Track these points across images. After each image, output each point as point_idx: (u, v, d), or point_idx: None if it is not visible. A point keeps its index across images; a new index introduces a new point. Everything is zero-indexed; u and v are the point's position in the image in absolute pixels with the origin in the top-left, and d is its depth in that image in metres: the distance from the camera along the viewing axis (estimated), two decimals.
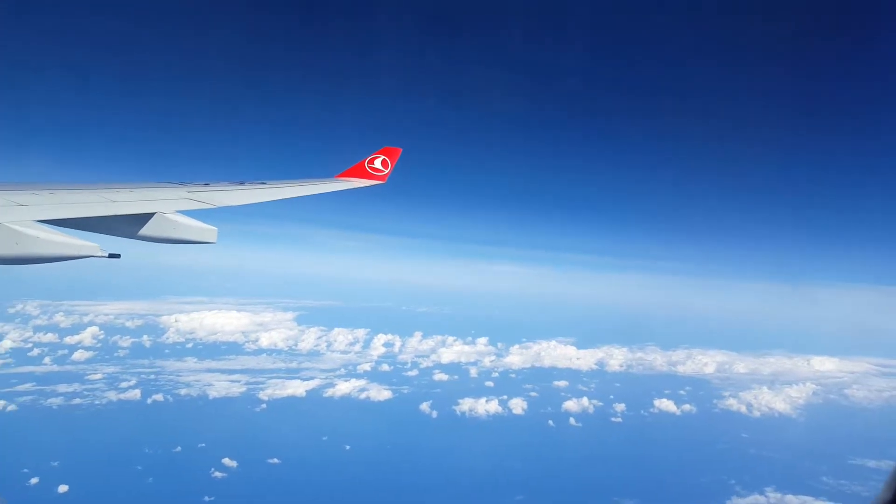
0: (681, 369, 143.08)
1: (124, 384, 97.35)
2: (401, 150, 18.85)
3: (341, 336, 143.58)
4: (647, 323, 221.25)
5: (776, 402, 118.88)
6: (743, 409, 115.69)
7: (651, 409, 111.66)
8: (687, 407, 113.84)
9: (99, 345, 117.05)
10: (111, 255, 7.35)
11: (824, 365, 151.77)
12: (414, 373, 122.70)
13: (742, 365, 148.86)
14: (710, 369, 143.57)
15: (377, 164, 18.08)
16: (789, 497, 75.69)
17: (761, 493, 76.67)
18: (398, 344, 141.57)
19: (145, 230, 8.57)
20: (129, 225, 8.47)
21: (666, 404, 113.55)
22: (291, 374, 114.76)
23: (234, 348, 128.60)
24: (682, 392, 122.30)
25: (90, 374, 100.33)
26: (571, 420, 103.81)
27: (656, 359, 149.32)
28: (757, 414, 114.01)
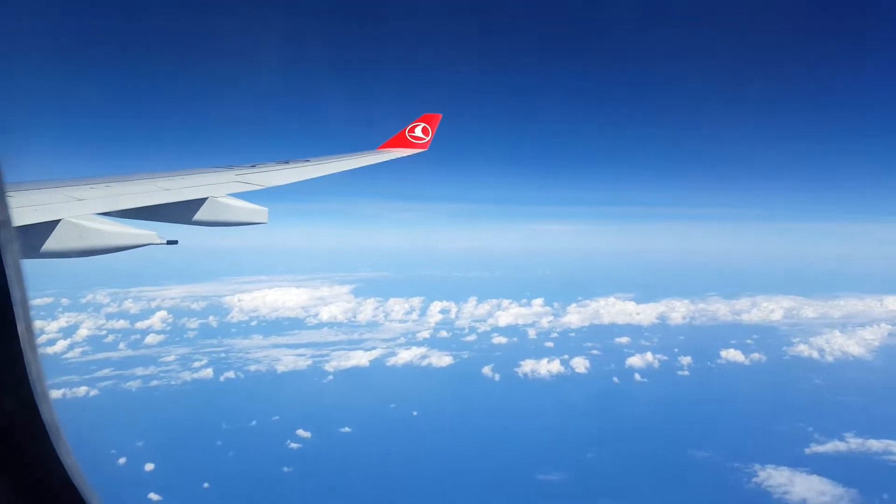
0: (746, 318, 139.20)
1: (196, 364, 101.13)
2: (440, 115, 18.70)
3: (397, 306, 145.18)
4: (707, 272, 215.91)
5: (850, 345, 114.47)
6: (815, 354, 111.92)
7: (718, 361, 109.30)
8: (756, 356, 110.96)
9: (168, 328, 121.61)
10: (169, 242, 7.52)
11: None
12: (472, 338, 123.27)
13: (811, 309, 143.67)
14: (776, 316, 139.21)
15: (418, 132, 18.09)
16: (871, 441, 73.14)
17: (841, 438, 74.32)
18: (454, 310, 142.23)
19: (199, 215, 8.80)
20: (183, 211, 8.70)
21: (733, 354, 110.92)
22: (353, 345, 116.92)
23: (296, 323, 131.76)
24: (749, 341, 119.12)
25: (164, 357, 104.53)
26: (637, 376, 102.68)
27: (719, 308, 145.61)
28: (830, 359, 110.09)
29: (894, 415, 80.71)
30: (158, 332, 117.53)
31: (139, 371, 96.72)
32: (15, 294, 1.78)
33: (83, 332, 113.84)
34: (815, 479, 65.25)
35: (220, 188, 9.66)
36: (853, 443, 73.49)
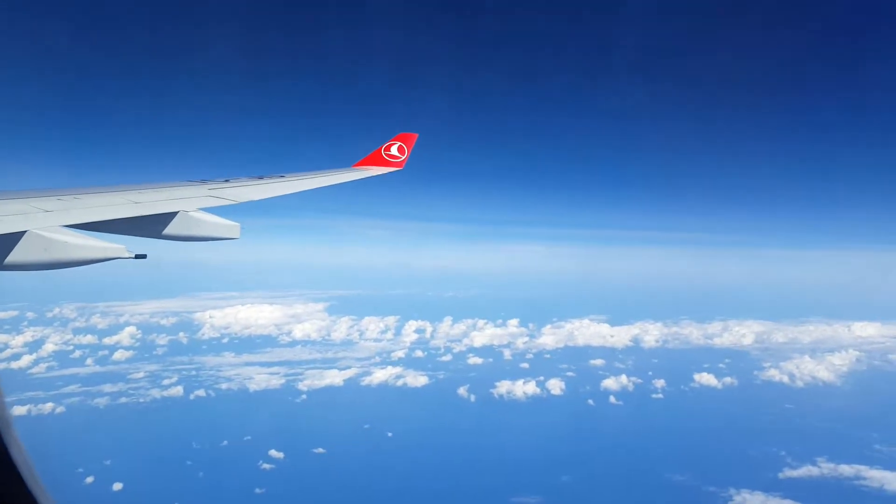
0: (718, 342, 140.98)
1: (166, 381, 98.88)
2: (416, 135, 18.79)
3: (372, 324, 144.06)
4: (680, 296, 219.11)
5: (819, 370, 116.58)
6: (785, 379, 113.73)
7: (691, 384, 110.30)
8: (728, 380, 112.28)
9: (137, 344, 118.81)
10: (137, 256, 7.42)
11: (866, 330, 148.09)
12: (448, 358, 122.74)
13: (781, 334, 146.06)
14: (748, 340, 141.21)
15: (393, 150, 18.10)
16: (843, 466, 74.22)
17: (813, 463, 75.36)
18: (429, 330, 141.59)
19: (169, 229, 8.69)
20: (154, 225, 8.59)
21: (706, 378, 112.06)
22: (328, 363, 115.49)
23: (268, 341, 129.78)
24: (721, 365, 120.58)
25: (132, 374, 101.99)
26: (612, 398, 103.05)
27: (692, 332, 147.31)
28: (800, 384, 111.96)
29: (864, 440, 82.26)
30: (127, 348, 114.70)
31: (107, 388, 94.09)
32: None
33: (49, 347, 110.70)
34: (788, 503, 65.83)
35: (191, 202, 9.56)
36: (825, 468, 74.59)
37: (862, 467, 73.91)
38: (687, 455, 78.66)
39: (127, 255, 7.22)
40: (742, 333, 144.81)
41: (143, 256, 7.50)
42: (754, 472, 72.82)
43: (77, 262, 6.78)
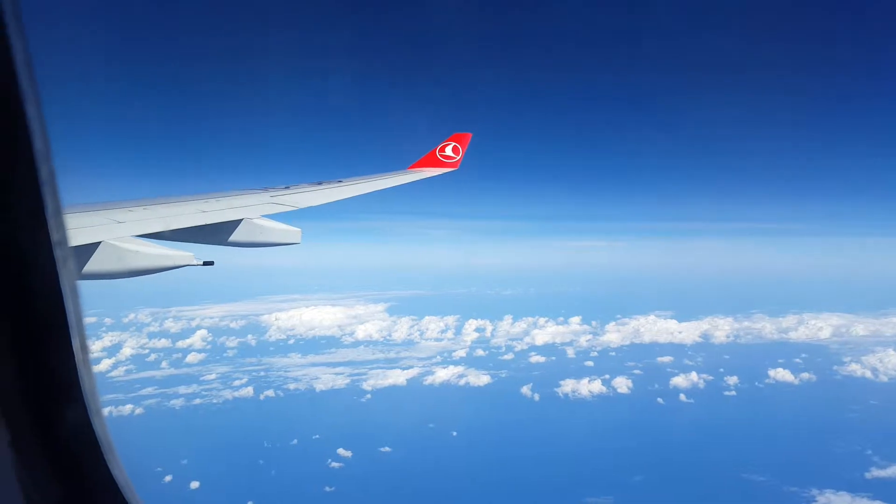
0: (793, 336, 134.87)
1: (237, 382, 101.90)
2: (471, 134, 18.70)
3: (433, 324, 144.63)
4: (750, 289, 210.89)
5: None
6: (868, 374, 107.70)
7: (766, 380, 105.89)
8: (806, 375, 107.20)
9: (209, 346, 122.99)
10: (205, 263, 7.64)
11: None
12: (510, 356, 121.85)
13: (861, 326, 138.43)
14: (825, 334, 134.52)
15: (448, 151, 18.08)
16: None
17: None
18: (489, 328, 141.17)
19: (234, 236, 8.93)
20: (219, 232, 8.84)
21: (782, 374, 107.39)
22: (391, 363, 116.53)
23: (332, 342, 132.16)
24: (797, 360, 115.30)
25: (205, 375, 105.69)
26: (682, 396, 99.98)
27: (765, 326, 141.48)
28: (884, 378, 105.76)
29: None
30: (199, 351, 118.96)
31: (182, 389, 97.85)
32: (70, 312, 1.85)
33: (127, 351, 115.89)
34: None
35: (254, 210, 9.82)
36: None
37: None
38: (765, 454, 75.42)
39: (195, 262, 7.46)
40: (819, 327, 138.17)
41: (211, 263, 7.74)
42: (839, 472, 69.17)
43: (149, 270, 7.04)
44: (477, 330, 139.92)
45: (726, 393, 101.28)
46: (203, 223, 8.59)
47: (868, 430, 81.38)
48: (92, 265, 6.53)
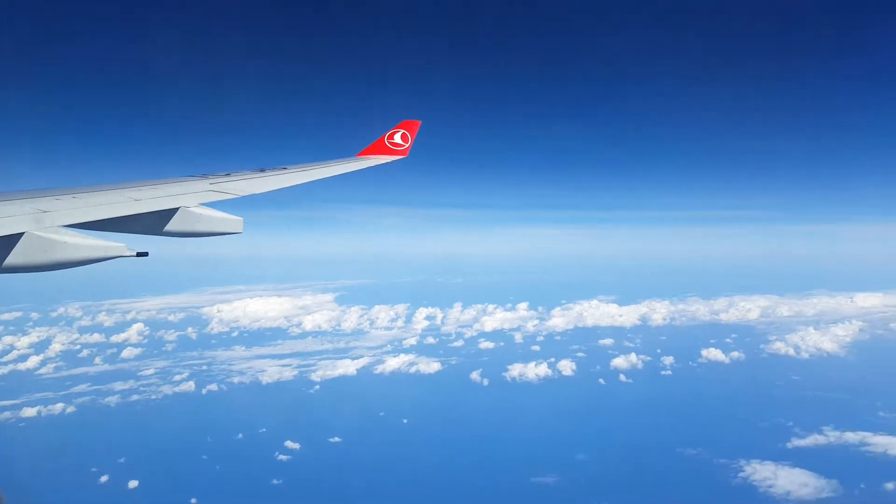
0: (724, 317, 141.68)
1: (177, 377, 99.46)
2: (420, 122, 18.62)
3: (382, 313, 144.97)
4: (686, 274, 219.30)
5: (824, 342, 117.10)
6: (791, 351, 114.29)
7: (700, 360, 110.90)
8: (735, 354, 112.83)
9: (146, 341, 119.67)
10: (139, 254, 7.32)
11: (868, 301, 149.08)
12: (459, 343, 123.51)
13: (785, 308, 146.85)
14: (753, 315, 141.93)
15: (397, 138, 17.91)
16: (849, 434, 75.03)
17: (820, 432, 76.09)
18: (440, 316, 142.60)
19: (171, 226, 8.59)
20: (154, 222, 8.48)
21: (714, 353, 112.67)
22: (340, 354, 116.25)
23: (279, 333, 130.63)
24: (728, 340, 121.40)
25: (143, 371, 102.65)
26: (622, 377, 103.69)
27: (699, 309, 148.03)
28: (805, 355, 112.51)
29: (868, 408, 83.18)
30: (136, 346, 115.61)
31: (118, 386, 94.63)
32: None
33: (56, 347, 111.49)
34: (797, 471, 66.67)
35: (193, 197, 9.46)
36: (832, 436, 75.33)
37: (867, 434, 74.75)
38: (697, 429, 79.36)
39: (128, 253, 7.15)
40: (747, 308, 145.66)
41: (146, 254, 7.41)
42: (763, 443, 73.57)
43: (78, 262, 6.72)
44: (427, 318, 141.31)
45: (663, 373, 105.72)
46: (136, 212, 8.24)
47: (790, 403, 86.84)
48: (14, 257, 6.23)
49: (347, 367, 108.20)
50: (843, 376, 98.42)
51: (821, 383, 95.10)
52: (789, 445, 73.91)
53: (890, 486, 63.34)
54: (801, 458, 69.57)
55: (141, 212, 8.30)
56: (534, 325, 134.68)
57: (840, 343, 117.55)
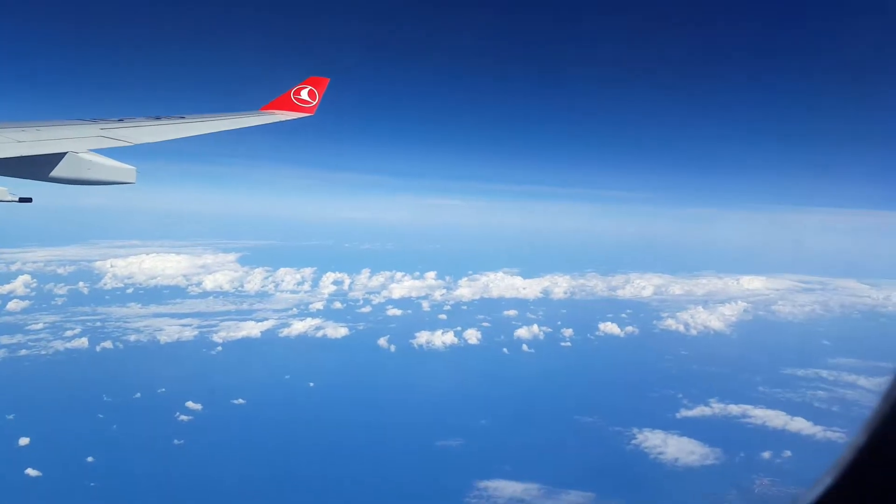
0: (621, 293, 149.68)
1: (69, 333, 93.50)
2: (328, 79, 18.04)
3: (288, 276, 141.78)
4: (586, 251, 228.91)
5: (711, 320, 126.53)
6: (681, 328, 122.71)
7: (597, 333, 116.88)
8: (630, 329, 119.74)
9: (33, 293, 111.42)
10: (22, 199, 7.10)
11: (752, 283, 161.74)
12: (367, 309, 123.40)
13: (677, 287, 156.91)
14: (647, 292, 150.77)
15: (304, 94, 17.34)
16: (732, 406, 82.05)
17: (706, 404, 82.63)
18: (347, 281, 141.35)
19: (57, 171, 8.14)
20: (39, 166, 8.02)
21: (610, 327, 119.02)
22: (243, 315, 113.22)
23: (177, 292, 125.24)
24: (623, 315, 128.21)
25: (31, 325, 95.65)
26: (524, 347, 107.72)
27: (597, 285, 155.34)
28: (694, 332, 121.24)
29: (749, 382, 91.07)
30: (22, 298, 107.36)
31: (4, 339, 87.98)
32: None
33: None
34: (685, 440, 72.27)
35: (81, 143, 8.90)
36: (717, 407, 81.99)
37: (748, 407, 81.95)
38: (594, 398, 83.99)
39: (10, 197, 6.89)
40: (642, 286, 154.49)
41: (29, 200, 7.17)
42: (654, 413, 79.00)
43: None
44: (334, 283, 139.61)
45: (563, 344, 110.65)
46: (19, 154, 7.60)
47: (679, 376, 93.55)
48: None
49: (251, 329, 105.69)
50: (728, 352, 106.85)
51: (708, 359, 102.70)
52: (678, 416, 79.70)
53: (767, 454, 69.64)
54: (688, 428, 75.29)
55: (24, 154, 7.65)
56: (441, 295, 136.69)
57: (726, 322, 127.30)
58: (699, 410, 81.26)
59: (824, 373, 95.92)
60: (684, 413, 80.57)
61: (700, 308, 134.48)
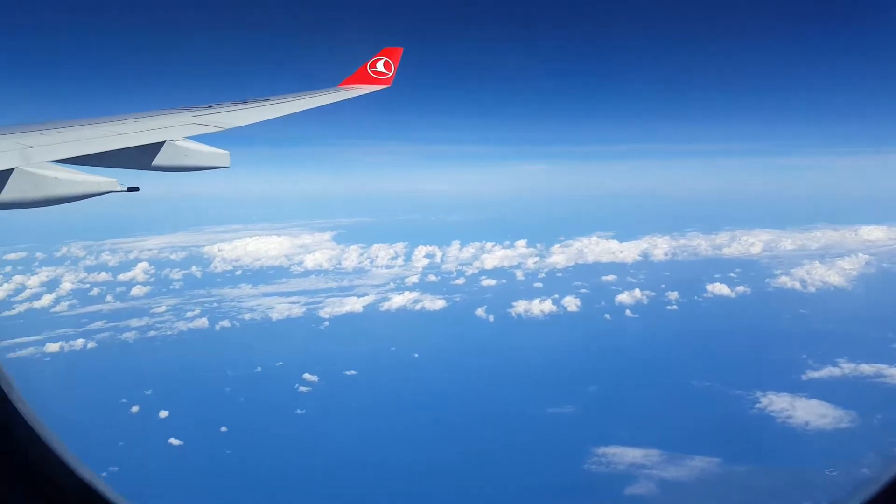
0: (727, 252, 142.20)
1: (189, 314, 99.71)
2: (402, 49, 17.98)
3: (382, 251, 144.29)
4: (685, 208, 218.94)
5: (830, 275, 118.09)
6: (797, 285, 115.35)
7: (705, 294, 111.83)
8: (741, 288, 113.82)
9: (152, 279, 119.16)
10: (130, 189, 7.27)
11: (873, 234, 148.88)
12: (461, 281, 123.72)
13: (788, 241, 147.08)
14: (756, 249, 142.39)
15: (379, 66, 17.39)
16: (864, 366, 76.41)
17: (834, 364, 77.36)
18: (439, 254, 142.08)
19: (158, 160, 8.49)
20: (141, 156, 8.38)
21: (719, 288, 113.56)
22: (345, 291, 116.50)
23: (281, 272, 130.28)
24: (732, 274, 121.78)
25: (154, 308, 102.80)
26: (627, 312, 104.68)
27: (700, 244, 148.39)
28: (812, 289, 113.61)
29: (880, 340, 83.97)
30: (143, 284, 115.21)
31: (133, 322, 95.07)
32: None
33: (67, 286, 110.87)
34: (814, 402, 68.08)
35: (177, 131, 9.23)
36: (846, 367, 76.58)
37: (882, 366, 75.94)
38: (708, 362, 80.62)
39: (120, 188, 7.00)
40: (750, 242, 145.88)
41: (136, 189, 7.35)
42: (777, 375, 74.74)
43: (70, 198, 6.61)
44: (426, 256, 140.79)
45: (669, 308, 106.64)
46: (123, 146, 8.03)
47: (800, 336, 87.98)
48: (6, 194, 6.07)
49: (354, 304, 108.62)
50: (853, 309, 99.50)
51: (830, 317, 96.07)
52: (804, 377, 75.14)
53: None
54: (817, 390, 70.86)
55: (127, 146, 8.06)
56: (534, 263, 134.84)
57: (847, 276, 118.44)
58: (827, 371, 76.27)
59: None
60: (811, 374, 75.84)
61: (816, 263, 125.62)
